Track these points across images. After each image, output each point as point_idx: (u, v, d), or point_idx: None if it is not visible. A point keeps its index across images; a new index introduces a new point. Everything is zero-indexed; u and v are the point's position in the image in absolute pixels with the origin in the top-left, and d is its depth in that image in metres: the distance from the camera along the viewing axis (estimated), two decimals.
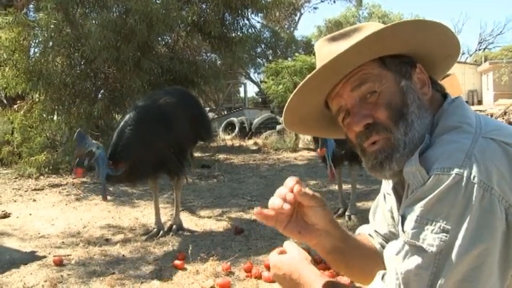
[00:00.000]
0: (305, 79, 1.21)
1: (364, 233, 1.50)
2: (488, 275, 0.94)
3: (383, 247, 1.39)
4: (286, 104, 1.31)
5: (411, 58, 1.22)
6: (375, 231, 1.46)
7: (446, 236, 0.95)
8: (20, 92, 8.95)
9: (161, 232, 4.75)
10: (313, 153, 11.19)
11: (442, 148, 1.04)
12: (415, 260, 0.97)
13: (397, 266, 1.00)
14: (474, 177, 0.96)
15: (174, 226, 4.89)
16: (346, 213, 5.20)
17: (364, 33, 1.19)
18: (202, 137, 5.68)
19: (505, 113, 15.34)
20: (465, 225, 0.94)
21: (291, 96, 1.28)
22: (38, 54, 9.22)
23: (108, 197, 6.79)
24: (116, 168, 4.38)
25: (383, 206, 1.45)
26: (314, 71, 1.19)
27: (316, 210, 1.25)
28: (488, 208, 0.95)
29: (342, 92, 1.22)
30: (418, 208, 1.00)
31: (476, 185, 0.95)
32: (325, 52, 1.24)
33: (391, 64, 1.19)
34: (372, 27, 1.23)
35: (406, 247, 1.00)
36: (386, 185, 1.41)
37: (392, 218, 1.40)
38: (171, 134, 4.78)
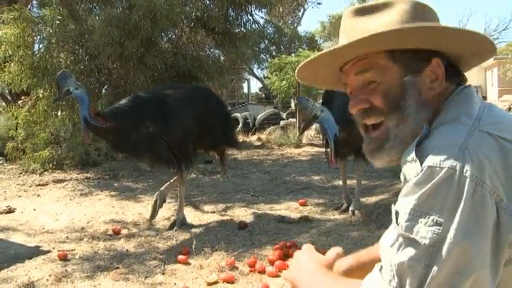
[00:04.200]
0: (322, 51, 1.25)
1: None
2: (479, 268, 0.95)
3: None
4: (302, 63, 1.32)
5: (428, 52, 1.20)
6: None
7: (439, 229, 0.96)
8: (24, 88, 8.97)
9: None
10: (316, 149, 11.20)
11: (437, 140, 1.05)
12: (409, 252, 0.99)
13: (391, 258, 1.02)
14: (467, 171, 0.97)
15: (178, 221, 4.90)
16: (350, 208, 5.19)
17: (395, 10, 1.20)
18: (224, 142, 5.50)
19: (510, 109, 15.30)
20: (457, 218, 0.96)
21: (311, 57, 1.30)
22: (42, 50, 9.22)
23: (112, 192, 6.85)
24: (96, 119, 4.45)
25: None
26: (331, 48, 1.22)
27: None
28: (480, 202, 0.96)
29: (348, 71, 1.26)
30: (411, 200, 1.01)
31: (468, 179, 0.96)
32: (349, 27, 1.26)
33: (400, 58, 1.19)
34: (402, 5, 1.21)
35: (400, 239, 1.01)
36: None
37: None
38: (168, 125, 4.74)
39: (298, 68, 1.35)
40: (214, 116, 5.22)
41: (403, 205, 1.03)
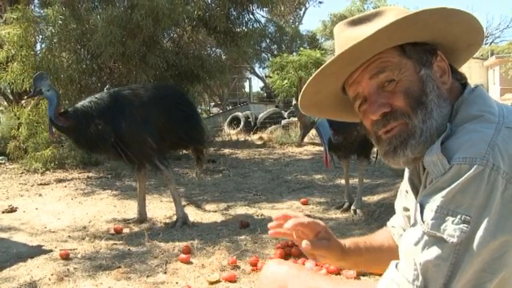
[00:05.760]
0: (323, 65, 1.20)
1: (389, 224, 1.53)
2: (507, 265, 0.94)
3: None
4: (303, 90, 1.29)
5: (432, 45, 1.20)
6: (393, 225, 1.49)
7: (467, 227, 0.94)
8: (27, 88, 8.97)
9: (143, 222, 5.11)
10: (318, 148, 11.19)
11: (464, 137, 1.02)
12: (435, 251, 0.97)
13: (415, 257, 0.99)
14: (498, 168, 0.95)
15: (179, 220, 4.90)
16: (352, 207, 5.19)
17: (386, 18, 1.18)
18: (189, 141, 5.39)
19: None
20: (487, 216, 0.94)
21: (308, 81, 1.26)
22: (44, 50, 9.23)
23: (114, 192, 6.85)
24: (58, 118, 4.80)
25: (399, 199, 1.45)
26: (332, 58, 1.17)
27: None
28: (510, 199, 0.95)
29: (359, 79, 1.20)
30: (438, 198, 0.99)
31: (499, 176, 0.95)
32: (345, 37, 1.22)
33: (412, 52, 1.17)
34: (394, 12, 1.21)
35: (426, 237, 0.99)
36: (405, 182, 1.40)
37: (405, 209, 1.41)
38: (116, 125, 4.81)
39: (302, 90, 1.30)
40: (176, 115, 5.14)
41: (429, 203, 1.01)
